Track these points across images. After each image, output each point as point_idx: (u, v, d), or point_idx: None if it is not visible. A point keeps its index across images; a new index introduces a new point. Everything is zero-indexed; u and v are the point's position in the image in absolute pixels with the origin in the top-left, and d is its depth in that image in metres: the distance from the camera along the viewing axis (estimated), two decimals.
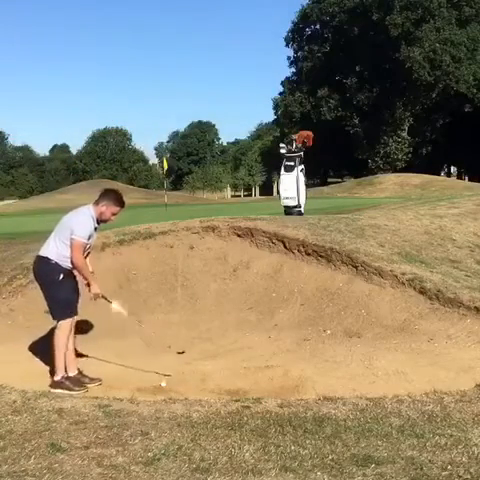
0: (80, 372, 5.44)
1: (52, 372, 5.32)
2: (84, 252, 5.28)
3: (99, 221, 5.37)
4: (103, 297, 5.42)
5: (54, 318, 5.30)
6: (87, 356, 5.80)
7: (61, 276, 5.23)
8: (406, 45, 49.36)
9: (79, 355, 5.63)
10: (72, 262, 5.20)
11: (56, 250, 5.23)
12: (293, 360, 5.74)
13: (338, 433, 3.93)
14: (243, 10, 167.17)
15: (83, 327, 6.25)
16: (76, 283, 5.44)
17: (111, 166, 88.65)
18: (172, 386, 5.20)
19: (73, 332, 5.43)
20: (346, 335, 6.44)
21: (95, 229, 5.40)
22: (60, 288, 5.24)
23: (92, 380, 5.38)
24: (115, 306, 5.51)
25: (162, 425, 4.12)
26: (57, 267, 5.22)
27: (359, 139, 54.73)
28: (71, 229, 5.19)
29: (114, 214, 5.39)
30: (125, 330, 6.51)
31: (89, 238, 5.30)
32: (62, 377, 5.21)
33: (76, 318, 5.50)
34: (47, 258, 5.26)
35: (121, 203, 5.40)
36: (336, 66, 54.45)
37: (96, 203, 5.34)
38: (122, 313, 5.55)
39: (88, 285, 5.34)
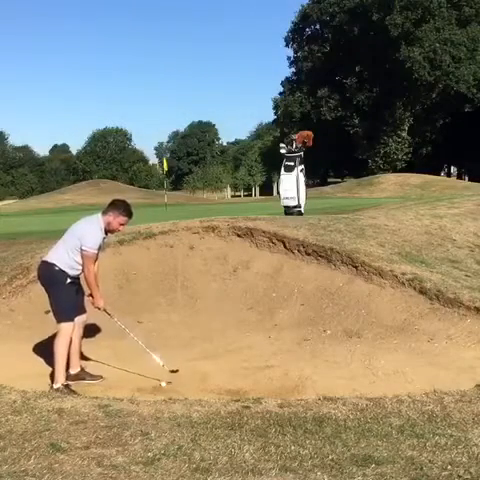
0: (82, 369, 5.46)
1: (52, 377, 5.32)
2: (94, 263, 5.32)
3: (107, 231, 5.37)
4: (105, 311, 5.46)
5: (56, 321, 5.31)
6: (88, 359, 5.81)
7: (67, 280, 5.27)
8: (406, 45, 49.32)
9: (81, 357, 5.64)
10: (84, 273, 5.24)
11: (65, 258, 5.25)
12: (293, 360, 5.74)
13: (338, 433, 3.92)
14: (243, 10, 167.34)
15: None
16: (80, 286, 5.47)
17: (111, 166, 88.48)
18: (172, 386, 5.21)
19: (82, 332, 5.49)
20: (346, 335, 6.43)
21: (103, 239, 5.41)
22: (64, 291, 5.27)
23: (93, 377, 5.39)
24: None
25: (162, 425, 4.12)
26: (63, 273, 5.25)
27: (359, 139, 54.70)
28: (80, 239, 5.20)
29: (122, 224, 5.41)
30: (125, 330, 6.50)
31: (98, 248, 5.32)
32: (62, 385, 5.21)
33: (85, 318, 5.54)
34: (53, 264, 5.28)
35: (128, 213, 5.41)
36: (336, 66, 54.41)
37: (104, 213, 5.36)
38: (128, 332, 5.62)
39: (92, 297, 5.36)
